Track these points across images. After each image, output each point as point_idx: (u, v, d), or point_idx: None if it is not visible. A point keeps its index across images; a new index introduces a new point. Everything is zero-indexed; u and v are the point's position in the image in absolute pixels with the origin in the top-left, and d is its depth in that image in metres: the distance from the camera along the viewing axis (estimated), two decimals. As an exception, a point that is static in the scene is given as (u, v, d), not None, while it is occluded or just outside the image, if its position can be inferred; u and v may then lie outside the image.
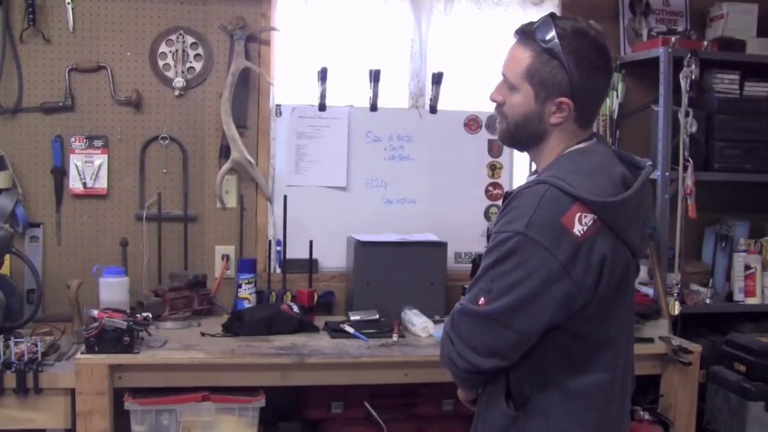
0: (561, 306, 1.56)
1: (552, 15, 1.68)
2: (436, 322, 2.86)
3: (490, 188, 3.36)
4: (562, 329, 1.60)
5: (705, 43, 3.18)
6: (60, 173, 3.02)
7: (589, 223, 1.54)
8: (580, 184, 1.56)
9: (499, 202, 3.35)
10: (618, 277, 1.62)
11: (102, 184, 3.05)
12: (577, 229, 1.53)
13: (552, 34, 1.61)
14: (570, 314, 1.58)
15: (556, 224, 1.53)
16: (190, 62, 3.09)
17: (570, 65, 1.61)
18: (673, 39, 3.10)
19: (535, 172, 1.78)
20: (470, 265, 3.17)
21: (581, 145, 1.70)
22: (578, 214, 1.54)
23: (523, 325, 1.57)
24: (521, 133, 1.70)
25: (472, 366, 1.63)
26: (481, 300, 1.59)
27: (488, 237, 1.78)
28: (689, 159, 3.05)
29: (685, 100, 3.05)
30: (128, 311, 2.64)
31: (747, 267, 3.26)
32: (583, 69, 1.62)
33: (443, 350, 1.69)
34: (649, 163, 1.71)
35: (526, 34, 1.66)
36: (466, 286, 3.05)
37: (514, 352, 1.61)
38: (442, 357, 1.70)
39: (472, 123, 3.33)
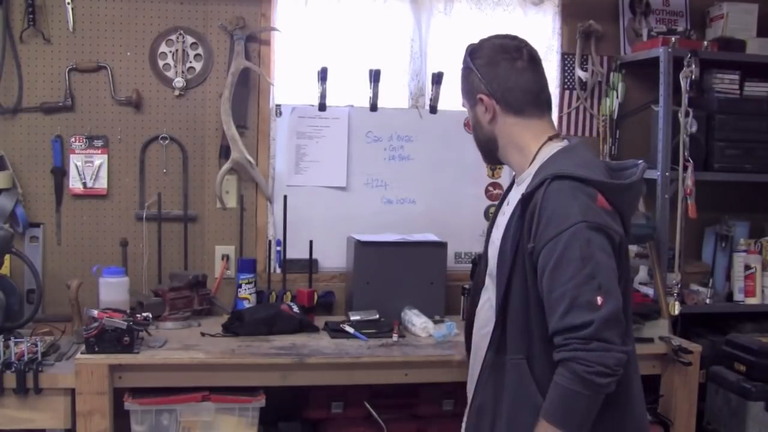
0: None
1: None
2: (436, 322, 2.85)
3: (490, 188, 3.36)
4: None
5: (705, 43, 3.18)
6: (60, 173, 3.02)
7: (608, 204, 1.71)
8: (587, 173, 1.71)
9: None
10: (625, 254, 1.78)
11: (102, 184, 3.06)
12: (609, 207, 1.71)
13: (465, 55, 1.89)
14: None
15: (596, 207, 1.69)
16: (190, 62, 3.09)
17: (476, 67, 1.84)
18: (673, 39, 3.10)
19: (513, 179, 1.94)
20: (470, 265, 3.17)
21: (563, 144, 1.85)
22: (600, 196, 1.70)
23: (618, 292, 1.68)
24: (482, 146, 1.94)
25: (626, 355, 1.67)
26: (599, 299, 1.62)
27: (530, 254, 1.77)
28: (689, 159, 3.05)
29: (685, 100, 3.05)
30: (128, 311, 2.64)
31: (747, 267, 3.26)
32: (485, 65, 1.83)
33: (606, 366, 1.62)
34: (642, 161, 1.88)
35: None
36: (467, 286, 3.09)
37: None
38: (605, 374, 1.62)
39: (472, 123, 3.33)
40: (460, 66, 1.91)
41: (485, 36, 1.91)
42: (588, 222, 1.64)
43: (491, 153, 1.93)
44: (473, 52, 1.87)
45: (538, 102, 1.85)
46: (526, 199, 1.73)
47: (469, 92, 1.88)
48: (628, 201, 1.78)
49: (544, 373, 1.70)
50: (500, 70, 1.82)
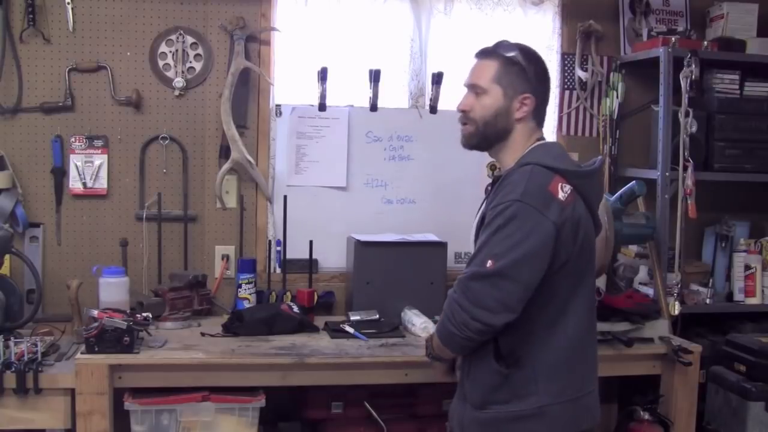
0: (549, 259, 1.87)
1: (502, 41, 2.08)
2: (436, 322, 2.85)
3: (490, 188, 3.35)
4: (539, 289, 1.88)
5: (705, 43, 3.18)
6: (60, 173, 3.02)
7: (569, 192, 1.90)
8: (553, 162, 1.93)
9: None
10: (589, 241, 1.98)
11: (102, 184, 3.06)
12: (561, 195, 1.89)
13: (513, 48, 2.03)
14: (551, 270, 1.88)
15: (545, 192, 1.88)
16: (190, 62, 3.09)
17: (529, 70, 2.01)
18: (673, 39, 3.10)
19: (499, 173, 2.09)
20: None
21: (541, 141, 2.06)
22: (559, 184, 1.90)
23: (527, 277, 1.85)
24: (491, 130, 2.03)
25: (487, 326, 1.85)
26: (489, 263, 1.84)
27: (482, 220, 2.01)
28: (689, 159, 3.05)
29: (685, 100, 3.05)
30: (128, 311, 2.64)
31: (747, 267, 3.26)
32: (537, 74, 2.03)
33: (453, 317, 1.89)
34: (600, 157, 2.17)
35: (489, 51, 2.06)
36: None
37: (520, 304, 1.86)
38: (452, 324, 1.90)
39: (472, 123, 3.33)
40: (502, 52, 2.02)
41: (529, 46, 2.09)
42: (522, 202, 1.85)
43: (489, 141, 2.07)
44: (528, 55, 2.03)
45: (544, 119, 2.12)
46: (497, 180, 2.01)
47: (511, 85, 2.00)
48: (590, 187, 2.00)
49: (506, 339, 1.92)
50: (546, 86, 2.07)
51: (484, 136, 2.05)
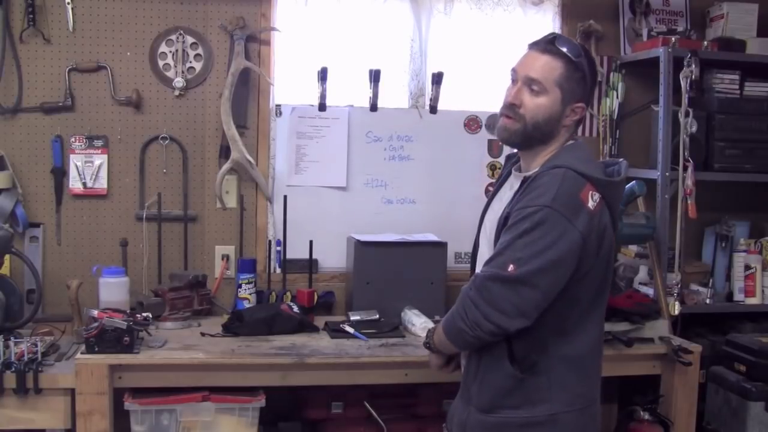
0: (573, 269, 1.83)
1: (560, 35, 2.01)
2: (436, 322, 2.85)
3: (490, 188, 3.35)
4: (560, 296, 1.85)
5: (705, 43, 3.18)
6: (60, 173, 3.02)
7: (597, 200, 1.86)
8: (585, 168, 1.88)
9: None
10: (610, 251, 1.94)
11: (102, 184, 3.06)
12: (590, 204, 1.84)
13: (580, 52, 1.94)
14: (574, 279, 1.85)
15: (576, 199, 1.83)
16: (190, 62, 3.09)
17: (589, 79, 1.96)
18: (673, 39, 3.10)
19: (518, 165, 2.06)
20: (470, 265, 3.17)
21: (571, 142, 2.00)
22: (590, 192, 1.85)
23: (547, 285, 1.82)
24: (538, 132, 1.94)
25: (500, 329, 1.82)
26: (510, 267, 1.81)
27: (505, 219, 1.92)
28: (689, 159, 3.05)
29: (685, 100, 3.05)
30: (128, 311, 2.64)
31: (747, 267, 3.26)
32: (593, 82, 2.00)
33: (466, 315, 1.85)
34: (623, 159, 2.07)
35: (552, 47, 1.93)
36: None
37: (536, 311, 1.83)
38: (464, 321, 1.86)
39: (472, 123, 3.33)
40: (568, 54, 1.91)
41: (587, 48, 2.09)
42: (552, 209, 1.80)
43: (530, 143, 1.97)
44: (591, 62, 1.97)
45: None
46: (526, 180, 1.92)
47: (570, 91, 1.93)
48: (616, 197, 1.97)
49: (521, 343, 1.88)
50: (593, 92, 2.07)
51: (529, 136, 1.95)
